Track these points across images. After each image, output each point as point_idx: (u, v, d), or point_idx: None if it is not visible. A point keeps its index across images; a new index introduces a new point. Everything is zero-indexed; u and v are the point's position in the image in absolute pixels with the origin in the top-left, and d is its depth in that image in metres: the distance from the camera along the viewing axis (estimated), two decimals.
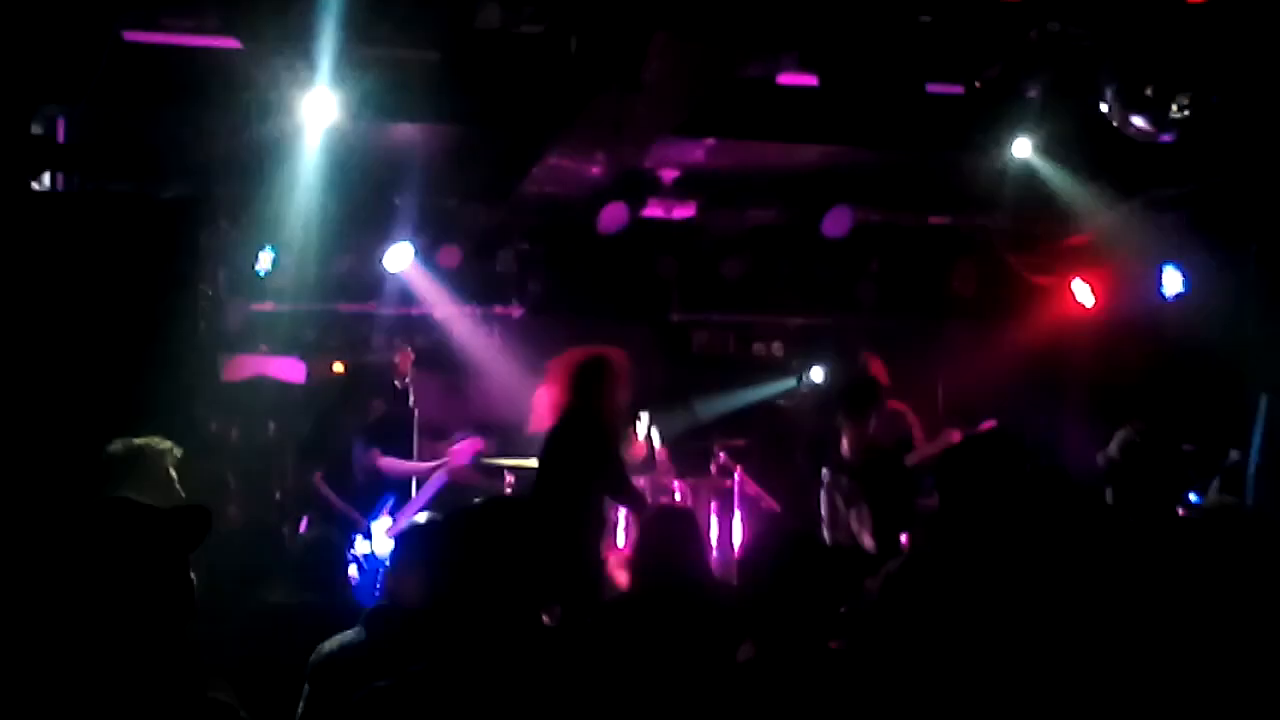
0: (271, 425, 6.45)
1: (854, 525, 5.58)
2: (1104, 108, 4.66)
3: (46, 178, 5.21)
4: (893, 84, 4.58)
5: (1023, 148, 5.42)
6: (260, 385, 6.59)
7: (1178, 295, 6.36)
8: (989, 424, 6.41)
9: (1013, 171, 6.16)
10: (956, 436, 6.34)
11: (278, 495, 6.33)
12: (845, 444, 5.54)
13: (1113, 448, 4.19)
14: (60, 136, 5.19)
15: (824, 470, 5.65)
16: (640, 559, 3.68)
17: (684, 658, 3.18)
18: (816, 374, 7.41)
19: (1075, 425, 7.18)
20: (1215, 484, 5.57)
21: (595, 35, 4.31)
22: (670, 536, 3.65)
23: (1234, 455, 5.58)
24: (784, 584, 2.73)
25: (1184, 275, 6.39)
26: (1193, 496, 5.21)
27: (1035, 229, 6.91)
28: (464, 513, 2.74)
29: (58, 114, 5.11)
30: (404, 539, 3.35)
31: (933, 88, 4.97)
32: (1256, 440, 5.47)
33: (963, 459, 3.65)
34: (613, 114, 5.16)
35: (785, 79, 5.22)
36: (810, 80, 5.05)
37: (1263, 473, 5.37)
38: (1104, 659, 3.04)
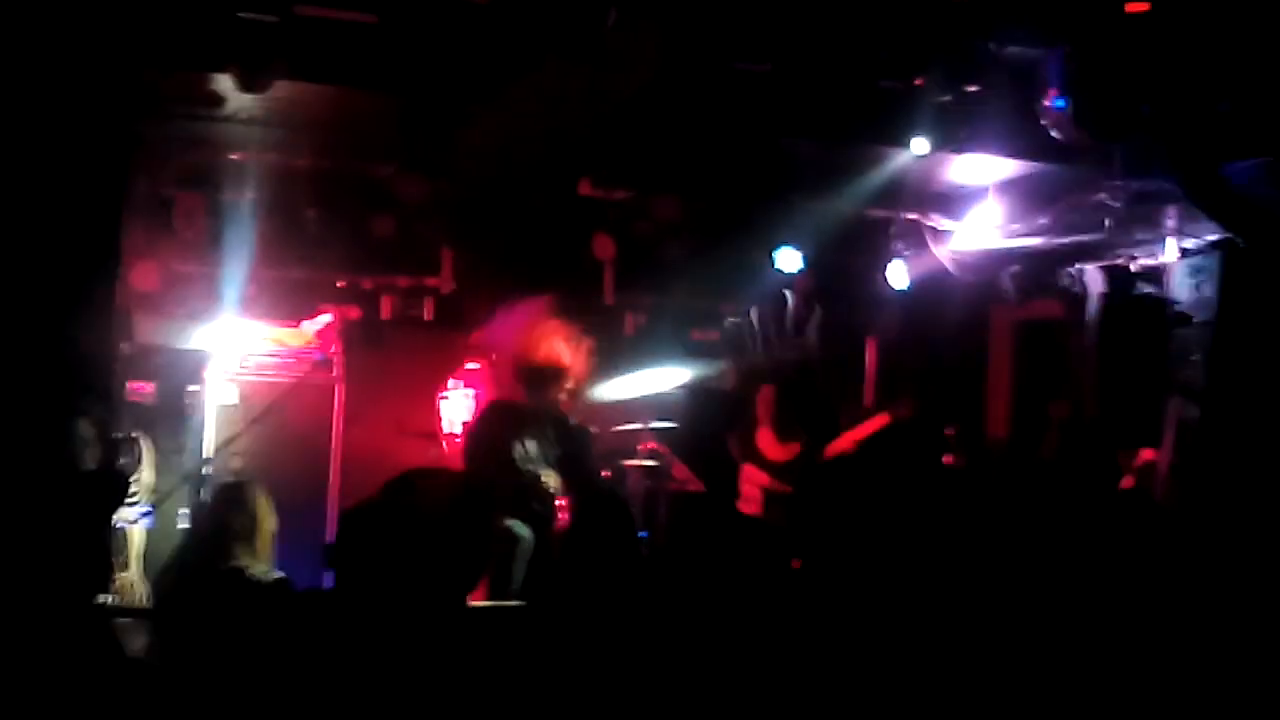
0: (189, 390, 6.26)
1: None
2: (1047, 112, 4.76)
3: None
4: (843, 77, 4.60)
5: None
6: (179, 348, 6.40)
7: (1099, 294, 6.53)
8: (906, 406, 6.53)
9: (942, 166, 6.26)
10: (883, 419, 6.48)
11: (188, 463, 6.15)
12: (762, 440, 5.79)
13: (1047, 446, 4.29)
14: None
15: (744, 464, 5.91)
16: (569, 542, 3.68)
17: (612, 639, 3.19)
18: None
19: (998, 420, 7.36)
20: (1130, 480, 5.77)
21: (555, 6, 4.25)
22: (600, 521, 3.65)
23: (1146, 454, 5.78)
24: (705, 556, 2.75)
25: (1102, 276, 6.56)
26: None
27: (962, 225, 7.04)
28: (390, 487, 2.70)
29: None
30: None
31: (881, 83, 5.00)
32: (1168, 440, 5.68)
33: (890, 441, 3.72)
34: (558, 87, 5.10)
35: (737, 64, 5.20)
36: (758, 68, 5.05)
37: (1174, 470, 5.59)
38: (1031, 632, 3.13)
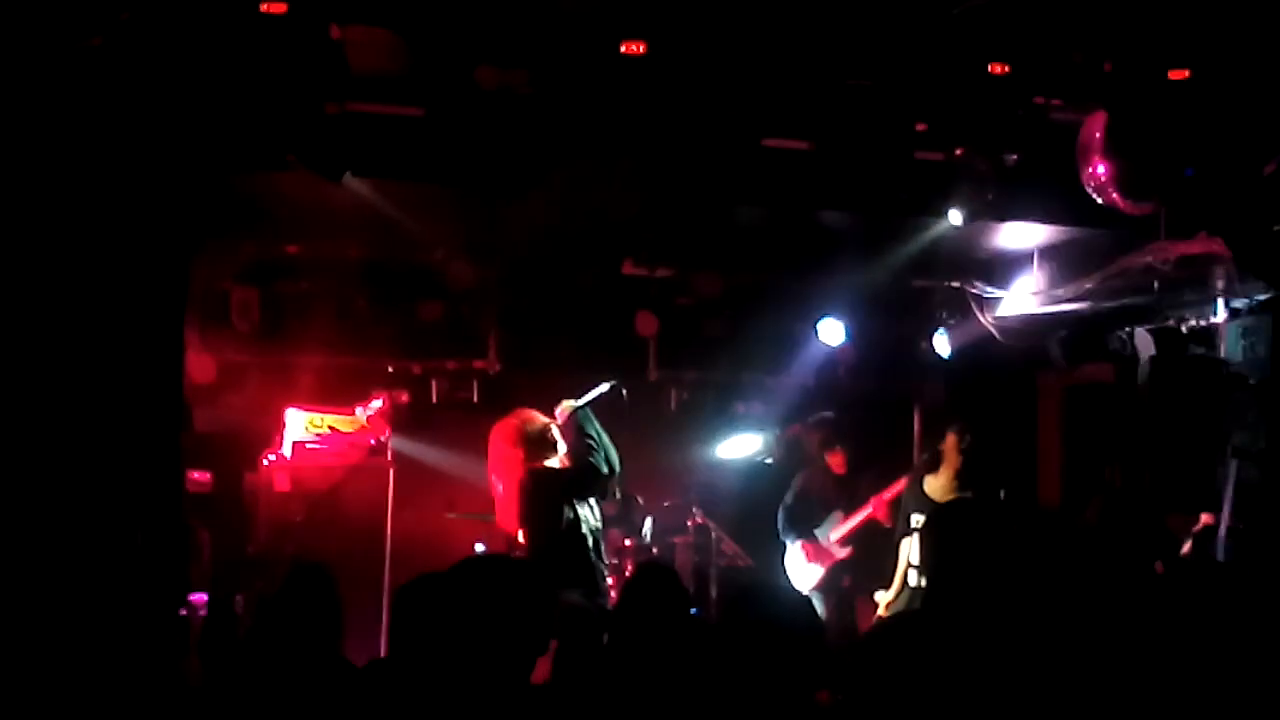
0: (246, 477, 6.36)
1: None
2: (1085, 180, 4.78)
3: None
4: (881, 149, 4.66)
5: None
6: (234, 437, 6.51)
7: (1149, 357, 6.46)
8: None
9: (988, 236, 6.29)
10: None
11: (250, 550, 6.22)
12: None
13: (1090, 513, 4.23)
14: None
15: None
16: (623, 615, 3.66)
17: (666, 713, 3.16)
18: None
19: (1050, 487, 7.26)
20: (1188, 546, 5.65)
21: (588, 96, 4.37)
22: (654, 592, 3.63)
23: (1204, 519, 5.66)
24: (762, 638, 2.73)
25: (1152, 338, 6.50)
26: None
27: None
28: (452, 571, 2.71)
29: None
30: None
31: (918, 154, 5.06)
32: (1227, 504, 5.57)
33: (949, 522, 3.66)
34: (600, 174, 5.22)
35: (771, 142, 5.28)
36: (796, 144, 5.13)
37: (1233, 534, 5.47)
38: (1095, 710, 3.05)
